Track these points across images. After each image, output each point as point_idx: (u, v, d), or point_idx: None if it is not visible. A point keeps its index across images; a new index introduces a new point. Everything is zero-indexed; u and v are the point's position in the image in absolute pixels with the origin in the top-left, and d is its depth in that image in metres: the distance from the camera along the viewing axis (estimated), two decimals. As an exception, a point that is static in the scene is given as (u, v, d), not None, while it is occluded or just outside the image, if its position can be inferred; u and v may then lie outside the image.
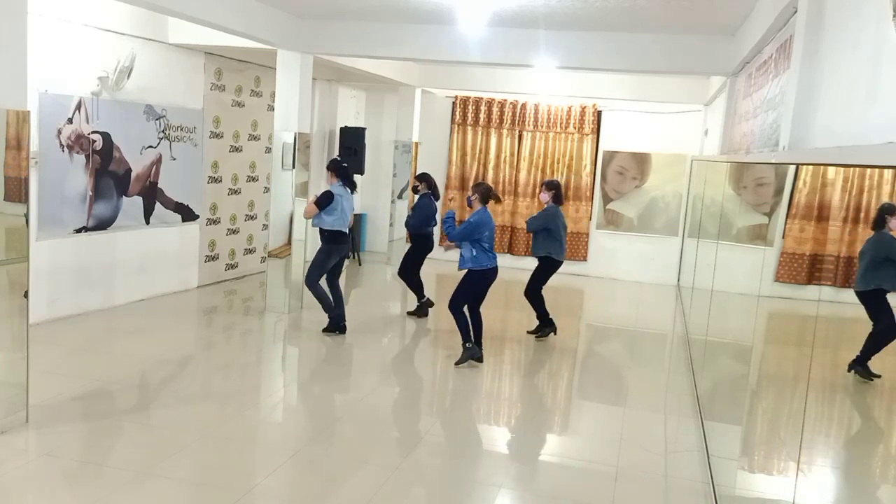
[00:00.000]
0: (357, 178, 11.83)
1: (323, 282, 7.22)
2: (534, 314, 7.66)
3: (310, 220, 7.29)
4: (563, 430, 5.73)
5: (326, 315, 7.22)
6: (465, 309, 6.53)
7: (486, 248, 6.41)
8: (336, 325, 7.19)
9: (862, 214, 3.06)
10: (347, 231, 7.20)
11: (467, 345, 6.44)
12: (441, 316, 8.10)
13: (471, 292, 6.56)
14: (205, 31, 7.31)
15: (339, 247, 7.15)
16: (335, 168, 7.19)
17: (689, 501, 4.52)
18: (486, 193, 6.52)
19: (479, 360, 6.51)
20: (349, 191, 7.17)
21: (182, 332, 7.48)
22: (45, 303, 6.91)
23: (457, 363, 6.47)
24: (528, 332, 7.72)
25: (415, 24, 7.89)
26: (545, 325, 7.62)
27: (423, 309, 8.20)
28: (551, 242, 7.41)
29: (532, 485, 4.63)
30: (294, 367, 6.46)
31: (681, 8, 6.28)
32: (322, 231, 7.13)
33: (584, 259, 11.68)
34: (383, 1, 6.95)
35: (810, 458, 3.13)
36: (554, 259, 7.48)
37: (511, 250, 11.91)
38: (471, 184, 11.96)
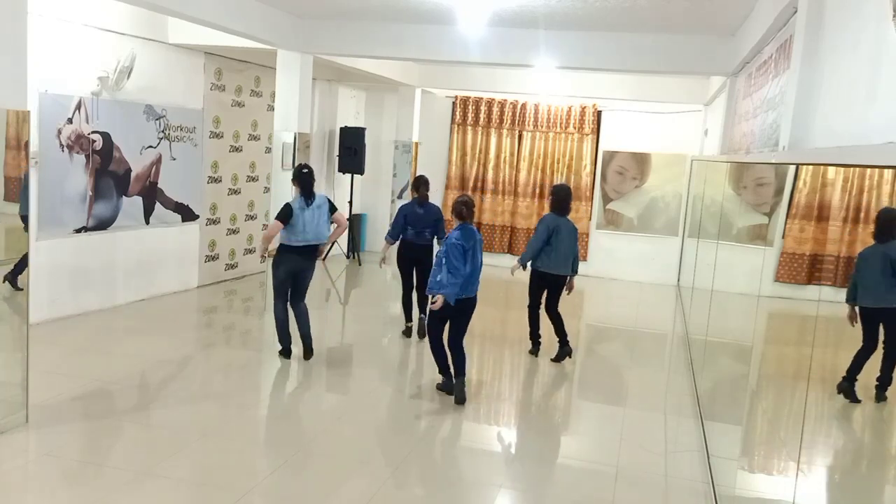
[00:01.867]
0: (357, 177, 11.94)
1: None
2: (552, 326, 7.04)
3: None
4: (563, 431, 5.72)
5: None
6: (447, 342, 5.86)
7: (447, 269, 5.52)
8: (285, 352, 6.47)
9: (862, 214, 3.06)
10: (310, 245, 6.30)
11: (444, 379, 5.88)
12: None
13: (438, 317, 5.75)
14: (205, 31, 7.31)
15: (291, 256, 6.25)
16: (295, 178, 6.40)
17: (689, 501, 4.52)
18: (457, 210, 5.78)
19: (450, 392, 5.79)
20: (308, 204, 6.23)
21: (182, 332, 7.48)
22: (45, 303, 6.91)
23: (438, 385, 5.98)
24: (552, 360, 7.02)
25: (415, 24, 7.90)
26: (535, 345, 7.11)
27: (409, 332, 7.54)
28: (543, 253, 6.79)
29: (532, 485, 4.62)
30: (294, 366, 6.45)
31: (681, 8, 6.28)
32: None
33: (584, 259, 11.67)
34: (383, 1, 6.95)
35: (810, 458, 3.13)
36: (542, 272, 6.85)
37: (510, 250, 11.92)
38: (471, 184, 12.01)
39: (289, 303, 6.45)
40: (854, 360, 2.92)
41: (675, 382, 6.85)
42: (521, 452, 5.15)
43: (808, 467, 3.08)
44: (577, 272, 6.97)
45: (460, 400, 5.70)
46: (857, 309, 2.88)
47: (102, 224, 7.57)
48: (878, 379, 2.80)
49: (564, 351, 6.99)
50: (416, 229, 7.21)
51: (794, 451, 3.14)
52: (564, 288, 6.97)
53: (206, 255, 9.22)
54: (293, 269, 6.32)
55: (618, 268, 11.61)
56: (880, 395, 2.84)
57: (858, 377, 2.91)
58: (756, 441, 4.29)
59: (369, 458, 4.73)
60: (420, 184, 7.33)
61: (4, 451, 4.42)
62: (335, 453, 4.77)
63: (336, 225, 6.51)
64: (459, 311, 5.72)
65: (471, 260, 5.64)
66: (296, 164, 6.89)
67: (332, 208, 6.43)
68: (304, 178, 6.30)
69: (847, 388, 2.96)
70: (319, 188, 8.12)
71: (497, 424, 5.67)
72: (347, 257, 11.97)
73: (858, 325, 2.88)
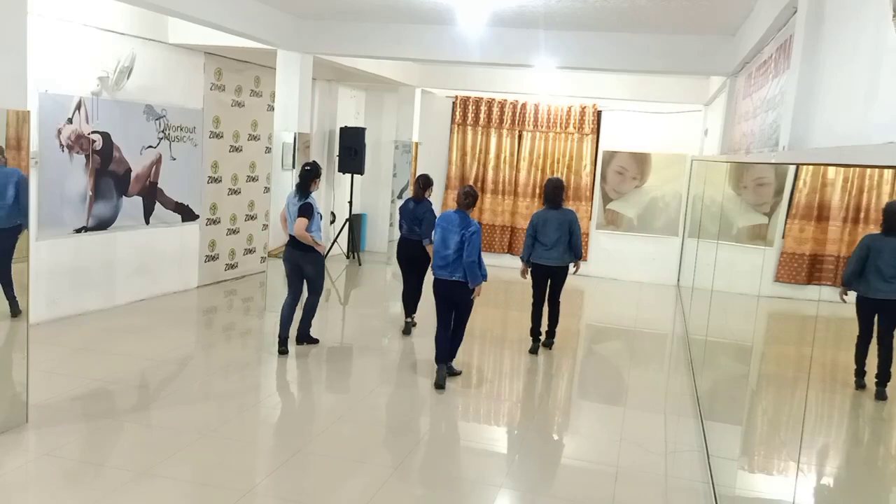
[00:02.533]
0: (357, 177, 11.94)
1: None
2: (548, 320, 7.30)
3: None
4: (563, 430, 5.72)
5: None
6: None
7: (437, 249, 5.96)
8: (282, 344, 6.64)
9: (862, 214, 3.06)
10: (294, 236, 6.44)
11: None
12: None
13: (438, 301, 6.11)
14: (205, 31, 7.31)
15: (286, 247, 6.60)
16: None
17: (689, 501, 4.52)
18: (456, 197, 6.07)
19: (436, 386, 6.01)
20: (297, 195, 6.46)
21: (182, 332, 7.48)
22: (45, 303, 6.91)
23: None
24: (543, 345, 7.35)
25: (415, 24, 7.90)
26: (535, 344, 7.22)
27: (408, 330, 7.64)
28: (534, 248, 7.03)
29: (532, 485, 4.63)
30: (294, 366, 6.45)
31: (681, 8, 6.28)
32: None
33: (585, 259, 11.66)
34: (383, 1, 6.95)
35: (810, 458, 3.13)
36: (534, 263, 7.07)
37: (510, 250, 11.92)
38: (471, 184, 11.99)
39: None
40: (856, 355, 2.91)
41: (675, 382, 6.85)
42: (521, 452, 5.15)
43: (808, 467, 3.08)
44: (578, 258, 7.15)
45: (436, 384, 6.02)
46: (854, 294, 2.88)
47: (102, 224, 7.57)
48: (876, 377, 2.80)
49: (547, 343, 7.32)
50: (406, 225, 7.40)
51: (794, 451, 3.14)
52: (571, 269, 7.21)
53: (206, 255, 9.22)
54: (288, 259, 6.62)
55: (618, 268, 11.61)
56: (880, 394, 2.84)
57: (866, 368, 2.90)
58: (756, 441, 4.29)
59: (369, 458, 4.73)
60: (416, 181, 7.52)
61: (4, 451, 4.42)
62: (335, 453, 4.77)
63: None
64: (439, 294, 6.03)
65: (443, 242, 5.90)
66: (300, 163, 7.12)
67: (300, 213, 6.32)
68: (300, 174, 6.57)
69: (858, 381, 2.96)
70: (320, 188, 8.13)
71: (497, 424, 5.67)
72: (347, 257, 11.97)
73: (855, 318, 2.88)
